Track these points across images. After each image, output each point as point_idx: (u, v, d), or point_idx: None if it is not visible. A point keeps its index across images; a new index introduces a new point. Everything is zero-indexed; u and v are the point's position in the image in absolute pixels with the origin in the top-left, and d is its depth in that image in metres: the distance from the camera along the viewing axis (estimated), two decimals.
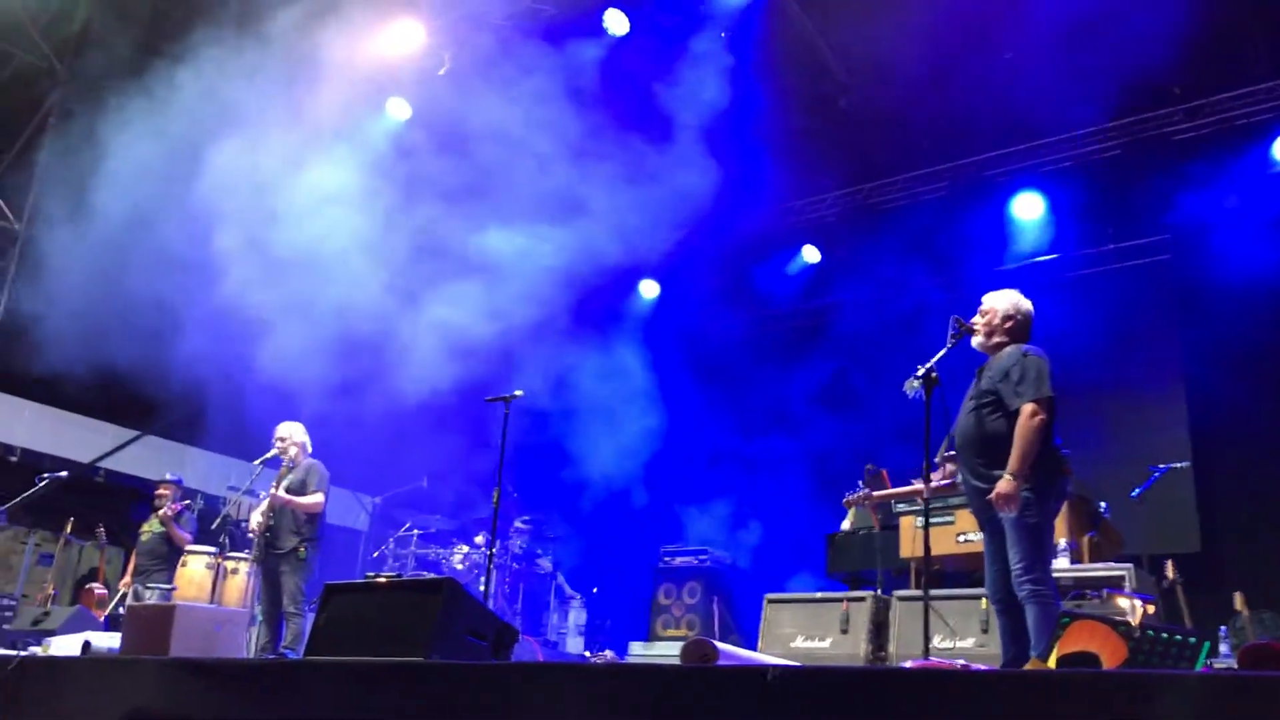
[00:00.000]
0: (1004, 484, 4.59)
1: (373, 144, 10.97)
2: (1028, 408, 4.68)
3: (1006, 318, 5.04)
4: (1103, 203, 10.28)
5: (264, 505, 7.66)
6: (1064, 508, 6.93)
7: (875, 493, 6.36)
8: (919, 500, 7.27)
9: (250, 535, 7.72)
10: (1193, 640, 3.68)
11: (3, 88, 11.21)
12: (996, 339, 5.03)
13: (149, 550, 8.99)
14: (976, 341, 5.08)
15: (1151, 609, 5.55)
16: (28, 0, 10.80)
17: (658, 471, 11.43)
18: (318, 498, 7.61)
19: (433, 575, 7.31)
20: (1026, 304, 5.09)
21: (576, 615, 11.03)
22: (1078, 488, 7.15)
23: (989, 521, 4.87)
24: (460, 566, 10.25)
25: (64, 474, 8.97)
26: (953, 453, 5.16)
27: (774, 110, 10.32)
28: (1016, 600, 4.67)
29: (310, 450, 7.90)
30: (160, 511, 8.99)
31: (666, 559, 10.64)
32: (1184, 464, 7.97)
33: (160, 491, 9.19)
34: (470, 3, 10.74)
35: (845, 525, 8.48)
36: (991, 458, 4.77)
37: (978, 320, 5.11)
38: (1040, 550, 4.65)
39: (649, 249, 10.86)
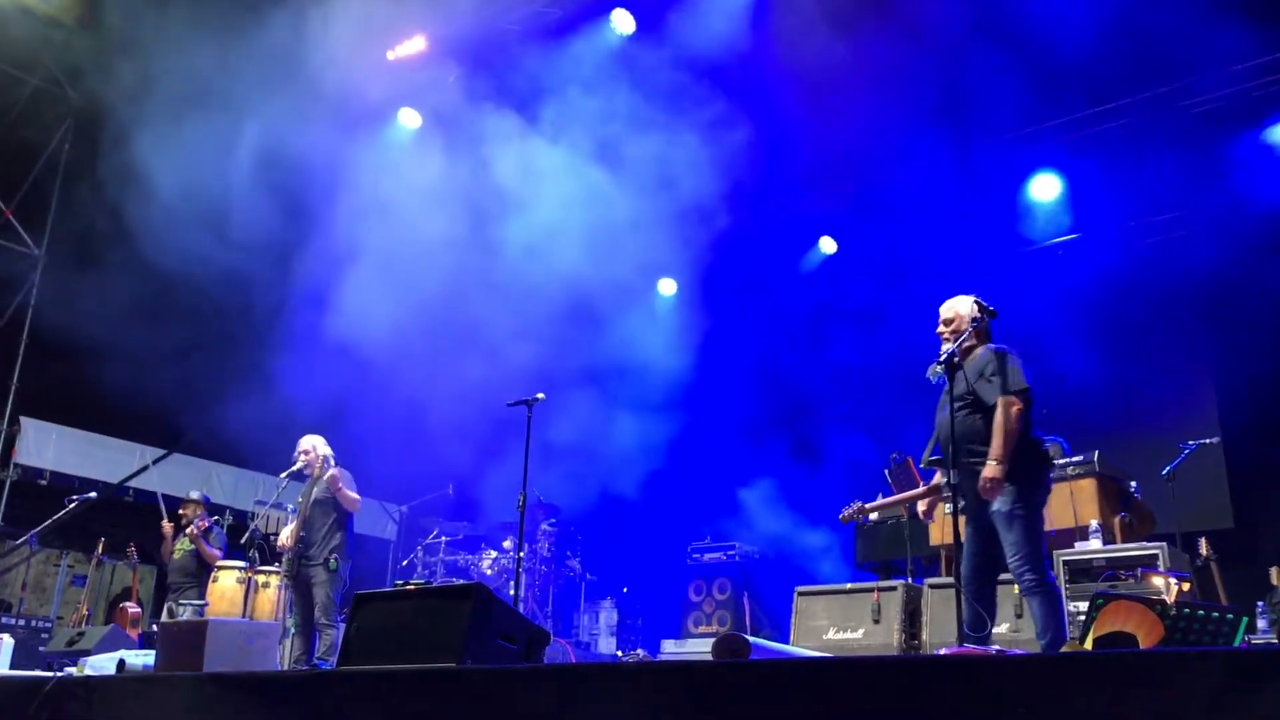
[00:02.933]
0: (989, 469, 4.86)
1: (388, 153, 11.02)
2: (1005, 399, 4.96)
3: (972, 320, 5.28)
4: (1122, 179, 10.16)
5: (295, 523, 7.70)
6: (1094, 488, 6.92)
7: (867, 505, 6.40)
8: (903, 510, 7.33)
9: (280, 550, 7.75)
10: (1230, 616, 3.63)
11: (18, 115, 11.31)
12: (967, 343, 5.25)
13: (180, 567, 9.05)
14: (946, 348, 5.25)
15: (1187, 586, 5.49)
16: (40, 27, 10.88)
17: (683, 467, 11.40)
18: (355, 495, 7.72)
19: (462, 581, 7.33)
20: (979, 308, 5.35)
21: (607, 615, 11.02)
22: (1106, 469, 7.10)
23: (978, 515, 5.08)
24: (489, 571, 10.26)
25: (93, 495, 9.03)
26: (936, 457, 5.33)
27: (781, 98, 10.26)
28: (987, 589, 5.03)
29: (334, 461, 7.93)
30: (189, 529, 9.04)
31: (695, 555, 10.63)
32: (1214, 439, 7.87)
33: (183, 510, 9.24)
34: (475, 9, 10.74)
35: (873, 516, 8.44)
36: (983, 452, 4.98)
37: (943, 329, 5.34)
38: (1034, 541, 4.88)
39: (667, 246, 10.85)
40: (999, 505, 4.89)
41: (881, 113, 10.11)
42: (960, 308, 5.34)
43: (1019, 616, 6.50)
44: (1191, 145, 9.71)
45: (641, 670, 3.55)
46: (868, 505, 6.42)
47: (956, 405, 5.07)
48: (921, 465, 5.78)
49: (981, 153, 10.81)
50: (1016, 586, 6.47)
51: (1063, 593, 4.75)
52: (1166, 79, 9.73)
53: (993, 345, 5.19)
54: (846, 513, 6.45)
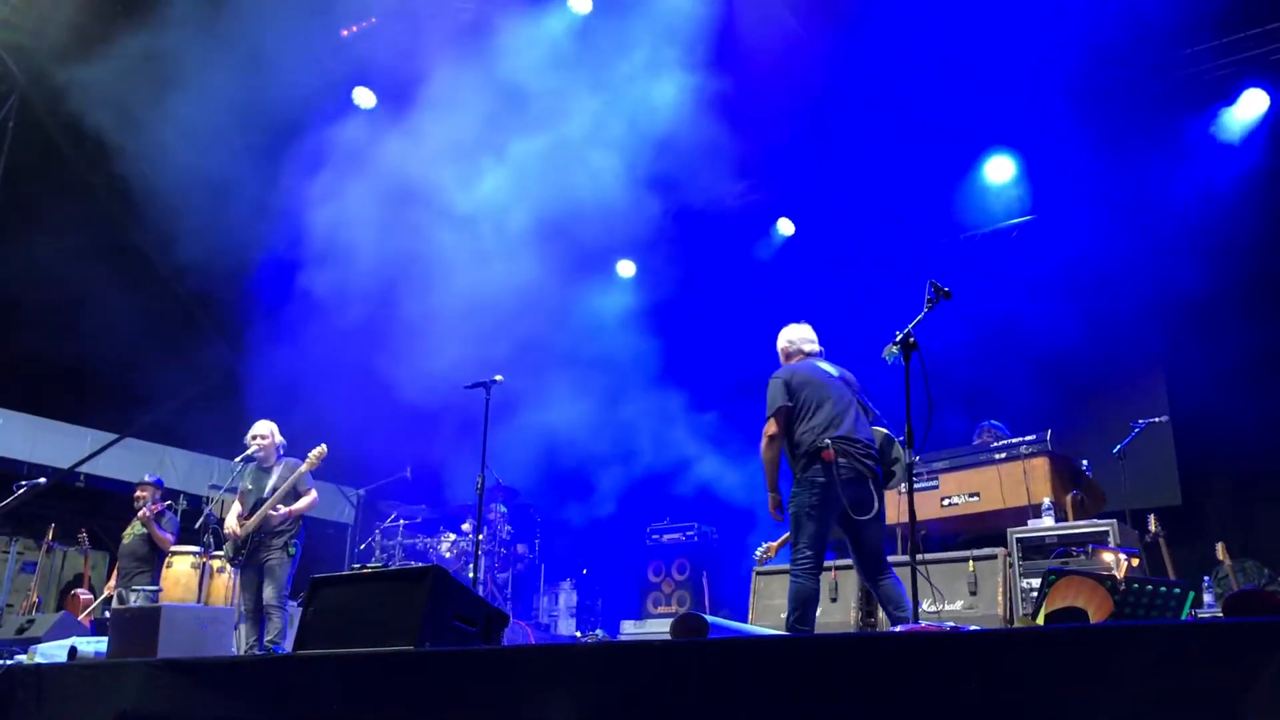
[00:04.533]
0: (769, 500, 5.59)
1: (342, 133, 10.88)
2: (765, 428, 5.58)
3: (781, 350, 6.02)
4: (1078, 162, 10.23)
5: (236, 507, 7.63)
6: (1046, 467, 7.04)
7: (774, 544, 6.63)
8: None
9: (227, 536, 7.65)
10: (1177, 591, 3.71)
11: None
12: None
13: (131, 553, 8.92)
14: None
15: (1136, 562, 5.60)
16: None
17: (642, 449, 11.41)
18: (313, 496, 7.67)
19: (420, 564, 7.31)
20: (792, 331, 6.02)
21: (567, 597, 11.05)
22: (1059, 447, 7.22)
23: None
24: (449, 554, 10.23)
25: (42, 480, 8.87)
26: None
27: (743, 82, 10.24)
28: (879, 582, 5.44)
29: (285, 449, 7.87)
30: (140, 513, 8.91)
31: (654, 536, 10.66)
32: (1162, 419, 8.01)
33: (139, 493, 9.11)
34: None
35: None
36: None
37: None
38: (796, 534, 5.37)
39: (625, 226, 10.81)
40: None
41: (840, 91, 10.10)
42: (778, 343, 6.05)
43: (973, 594, 6.61)
44: (1148, 128, 9.78)
45: (601, 650, 3.56)
46: (774, 545, 6.62)
47: None
48: None
49: (935, 134, 10.85)
50: (971, 563, 6.66)
51: (806, 584, 5.29)
52: (1124, 60, 9.78)
53: (778, 370, 5.74)
54: (759, 554, 6.69)
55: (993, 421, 8.01)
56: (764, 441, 5.52)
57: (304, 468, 7.54)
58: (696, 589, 9.98)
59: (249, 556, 7.43)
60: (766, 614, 7.16)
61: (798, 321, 6.21)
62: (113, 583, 9.19)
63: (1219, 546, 7.03)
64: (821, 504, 5.29)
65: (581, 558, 11.53)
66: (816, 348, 5.91)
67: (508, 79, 10.37)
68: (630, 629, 9.92)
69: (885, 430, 5.66)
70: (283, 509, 7.45)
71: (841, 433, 5.36)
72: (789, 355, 5.94)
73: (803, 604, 5.21)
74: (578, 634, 10.52)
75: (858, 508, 5.26)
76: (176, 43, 9.72)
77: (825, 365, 5.74)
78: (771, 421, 5.50)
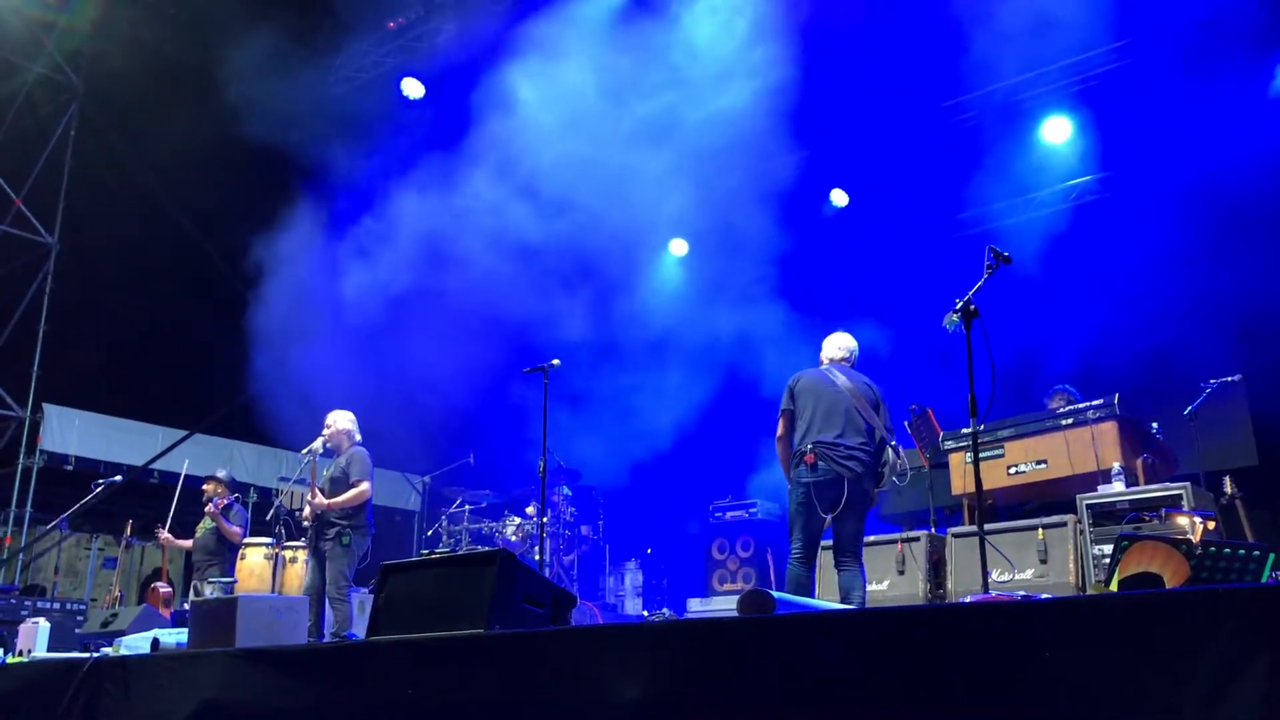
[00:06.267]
0: None
1: (393, 123, 10.97)
2: None
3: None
4: (1137, 118, 9.96)
5: (310, 494, 7.73)
6: (1114, 431, 6.88)
7: None
8: (925, 461, 7.45)
9: (306, 523, 7.77)
10: (1257, 553, 3.61)
11: (22, 102, 11.29)
12: None
13: (202, 546, 9.09)
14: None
15: (1212, 525, 5.46)
16: (39, 14, 10.85)
17: (701, 427, 11.39)
18: (361, 488, 7.51)
19: (486, 548, 7.37)
20: (827, 341, 6.49)
21: (632, 577, 11.10)
22: (1127, 411, 7.05)
23: None
24: (514, 538, 10.33)
25: (118, 479, 9.10)
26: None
27: (795, 45, 10.09)
28: (840, 563, 6.13)
29: (358, 438, 7.87)
30: (208, 507, 9.09)
31: (717, 514, 10.66)
32: (1236, 378, 7.77)
33: (204, 488, 9.29)
34: None
35: None
36: None
37: None
38: (790, 529, 6.03)
39: (676, 205, 10.77)
40: None
41: (895, 57, 9.94)
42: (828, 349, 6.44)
43: (1043, 562, 6.52)
44: (1210, 84, 9.47)
45: (669, 629, 3.57)
46: None
47: None
48: None
49: (991, 98, 10.65)
50: (1040, 530, 6.57)
51: (796, 569, 5.99)
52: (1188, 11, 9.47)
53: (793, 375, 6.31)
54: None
55: (1066, 386, 7.84)
56: (776, 439, 6.26)
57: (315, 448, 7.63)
58: (762, 566, 9.97)
59: (313, 543, 7.53)
60: (834, 589, 7.11)
61: (847, 323, 6.73)
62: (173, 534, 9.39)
63: None
64: (805, 502, 5.94)
65: (645, 537, 11.57)
66: (838, 355, 6.39)
67: (558, 59, 10.36)
68: (696, 606, 9.95)
69: (886, 437, 6.14)
70: (321, 500, 7.48)
71: (825, 437, 5.92)
72: (820, 362, 6.49)
73: (795, 588, 5.83)
74: (645, 613, 10.57)
75: (831, 506, 5.88)
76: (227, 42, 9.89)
77: (835, 373, 6.21)
78: (779, 422, 6.22)
